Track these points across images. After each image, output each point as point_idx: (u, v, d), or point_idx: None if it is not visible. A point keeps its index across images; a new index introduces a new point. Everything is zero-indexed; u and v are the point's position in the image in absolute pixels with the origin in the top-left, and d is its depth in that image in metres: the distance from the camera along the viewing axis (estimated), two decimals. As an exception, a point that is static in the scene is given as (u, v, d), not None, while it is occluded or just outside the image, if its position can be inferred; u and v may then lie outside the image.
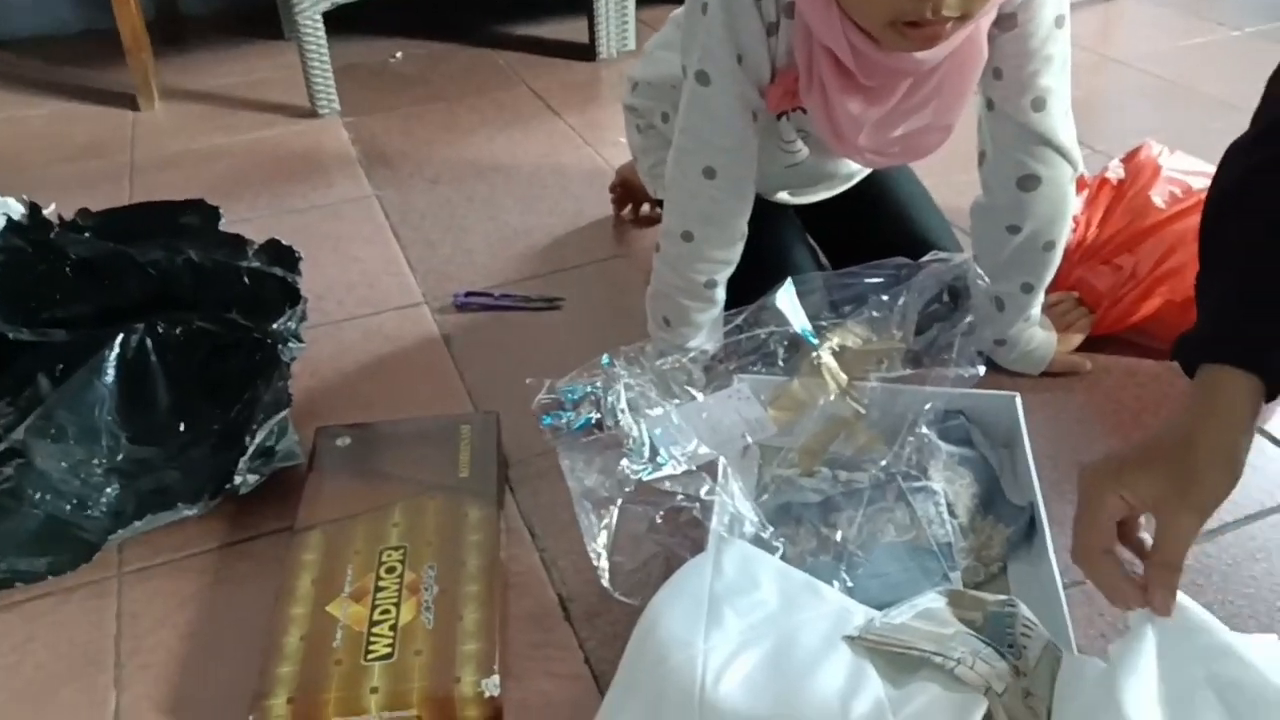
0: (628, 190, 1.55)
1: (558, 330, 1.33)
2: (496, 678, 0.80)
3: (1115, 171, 1.28)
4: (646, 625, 0.77)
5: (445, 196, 1.68)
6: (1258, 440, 1.04)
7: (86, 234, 1.31)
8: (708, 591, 0.78)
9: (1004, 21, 0.94)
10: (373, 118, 2.01)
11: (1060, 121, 1.00)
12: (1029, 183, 1.02)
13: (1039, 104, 0.98)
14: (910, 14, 0.82)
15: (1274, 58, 0.75)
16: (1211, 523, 0.92)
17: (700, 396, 1.01)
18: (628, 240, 1.53)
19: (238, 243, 1.31)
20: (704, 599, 0.77)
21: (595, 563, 0.88)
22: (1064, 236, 1.07)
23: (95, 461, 1.04)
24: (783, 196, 1.24)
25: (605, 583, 0.86)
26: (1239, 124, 0.73)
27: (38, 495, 0.99)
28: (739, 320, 1.06)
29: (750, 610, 0.77)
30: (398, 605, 0.87)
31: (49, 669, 0.88)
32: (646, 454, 0.95)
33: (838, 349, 1.01)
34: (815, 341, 1.01)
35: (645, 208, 1.55)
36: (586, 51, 2.25)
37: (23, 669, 0.89)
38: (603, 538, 0.88)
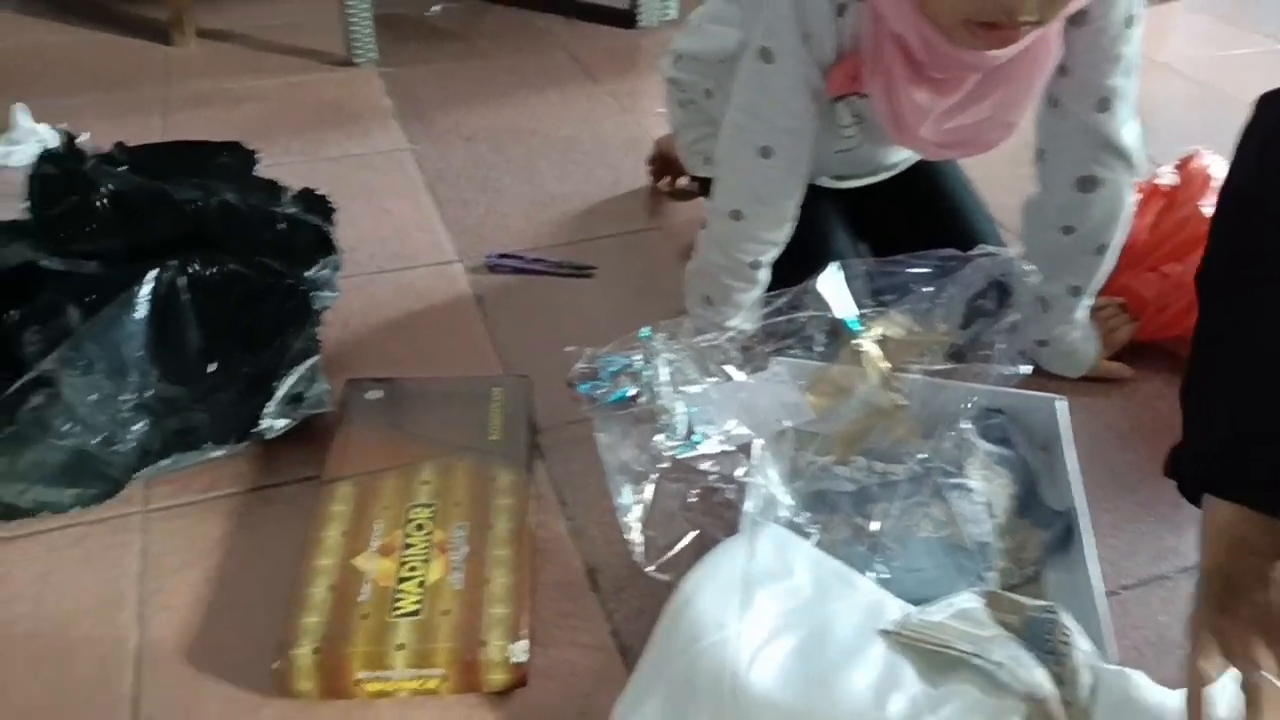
0: (665, 163, 1.53)
1: (589, 298, 1.31)
2: (524, 643, 0.80)
3: (1167, 178, 1.26)
4: (678, 604, 0.76)
5: (481, 155, 1.66)
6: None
7: (121, 167, 1.29)
8: (741, 574, 0.77)
9: (1076, 18, 0.92)
10: (409, 70, 1.98)
11: (1125, 124, 0.98)
12: (1088, 184, 1.01)
13: (1104, 104, 0.96)
14: (986, 16, 0.80)
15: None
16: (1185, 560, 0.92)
17: (738, 376, 1.00)
18: (663, 213, 1.52)
19: (273, 188, 1.30)
20: (737, 581, 0.76)
21: (628, 536, 0.87)
22: (1118, 241, 1.06)
23: (123, 397, 1.03)
24: (826, 181, 1.23)
25: (638, 558, 0.85)
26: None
27: (65, 426, 0.98)
28: (779, 303, 1.05)
29: (784, 596, 0.76)
30: (426, 563, 0.86)
31: (71, 602, 0.88)
32: (682, 431, 0.94)
33: (880, 338, 1.00)
34: (858, 329, 1.00)
35: (682, 181, 1.53)
36: (627, 18, 2.22)
37: (45, 600, 0.88)
38: (636, 512, 0.88)
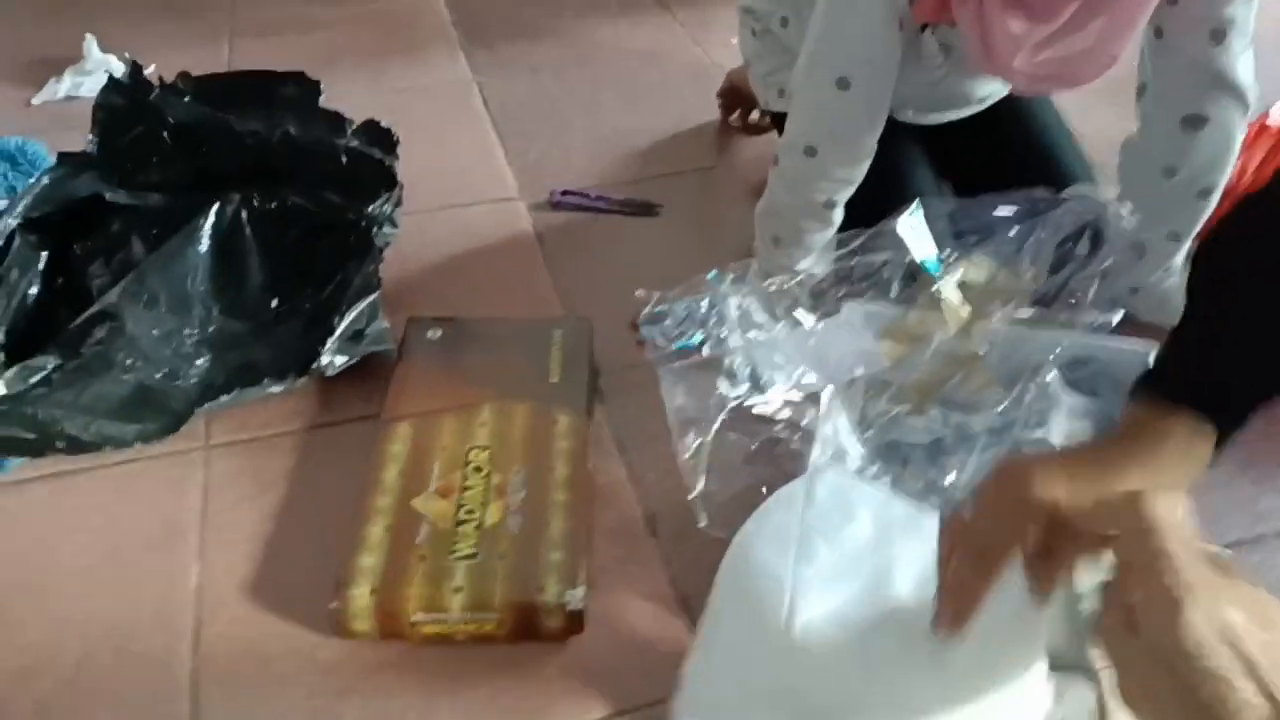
0: (736, 96, 1.47)
1: (654, 238, 1.28)
2: (581, 590, 0.78)
3: (1277, 116, 1.17)
4: (735, 555, 0.73)
5: (546, 87, 1.62)
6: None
7: (186, 98, 1.28)
8: (799, 522, 0.74)
9: None
10: (477, -3, 1.94)
11: (1240, 57, 0.90)
12: (1195, 123, 0.93)
13: (1218, 35, 0.88)
14: None
15: None
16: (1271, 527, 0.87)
17: (807, 322, 0.96)
18: (732, 149, 1.46)
19: (337, 120, 1.27)
20: (794, 530, 0.73)
21: (688, 483, 0.84)
22: (1222, 184, 0.98)
23: (186, 331, 1.03)
24: (909, 115, 1.16)
25: (696, 512, 0.83)
26: None
27: (129, 361, 0.98)
28: (855, 244, 1.00)
29: (844, 543, 0.72)
30: (484, 506, 0.85)
31: (134, 535, 0.89)
32: (748, 377, 0.91)
33: (961, 282, 0.95)
34: (938, 273, 0.95)
35: (754, 115, 1.48)
36: (701, -55, 2.14)
37: (108, 533, 0.89)
38: (697, 462, 0.85)
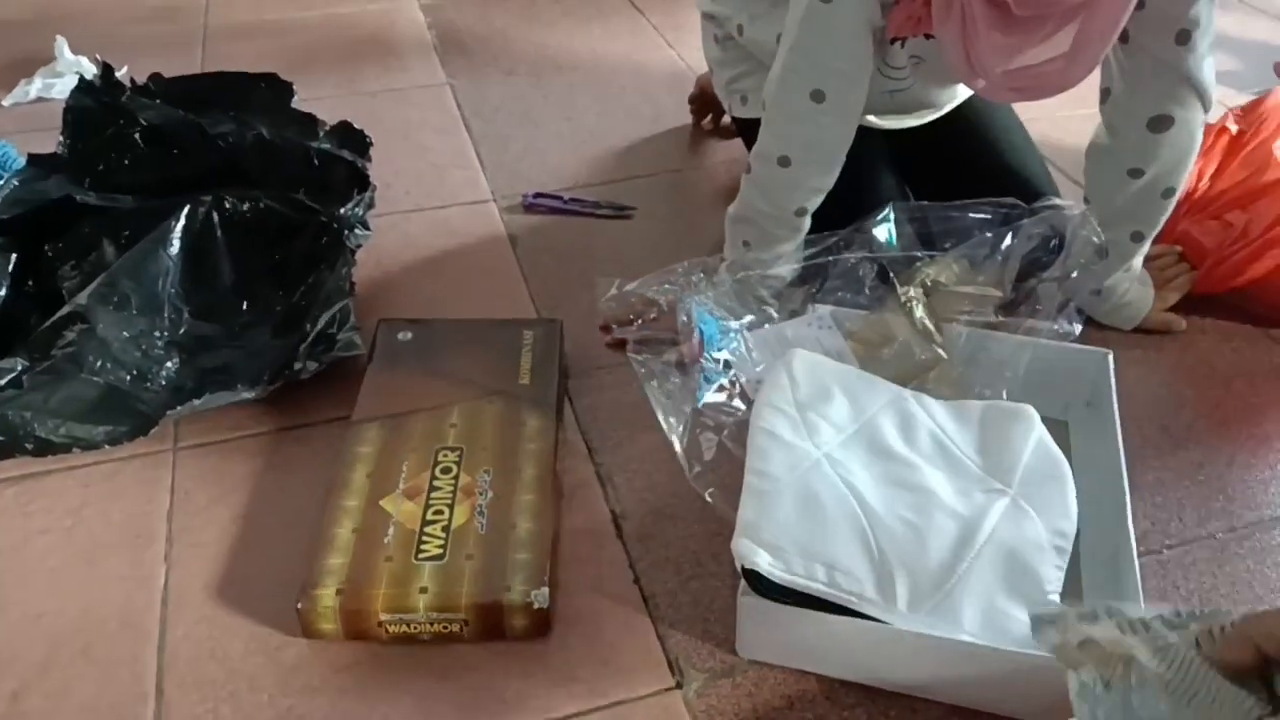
0: (707, 100, 1.49)
1: (626, 239, 1.29)
2: (546, 590, 0.79)
3: (1235, 121, 1.19)
4: (763, 436, 0.84)
5: (520, 91, 1.62)
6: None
7: (158, 100, 1.28)
8: (794, 404, 0.87)
9: None
10: (451, 2, 1.94)
11: (1204, 59, 0.92)
12: (1161, 124, 0.95)
13: (1184, 37, 0.90)
14: None
15: None
16: (1233, 521, 0.90)
17: (776, 315, 0.98)
18: (704, 152, 1.48)
19: (309, 122, 1.28)
20: (793, 411, 0.86)
21: (685, 467, 0.87)
22: (1184, 184, 1.00)
23: (157, 333, 1.03)
24: (871, 120, 1.17)
25: (701, 491, 0.85)
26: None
27: (99, 363, 0.98)
28: (829, 242, 1.01)
29: (832, 414, 0.87)
30: (451, 507, 0.85)
31: (101, 537, 0.89)
32: (721, 367, 0.93)
33: (929, 283, 0.96)
34: (908, 276, 0.96)
35: (725, 119, 1.49)
36: (675, -51, 2.15)
37: (76, 534, 0.89)
38: (686, 447, 0.88)
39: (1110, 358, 0.95)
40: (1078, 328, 0.95)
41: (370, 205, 1.19)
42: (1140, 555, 0.79)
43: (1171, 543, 0.89)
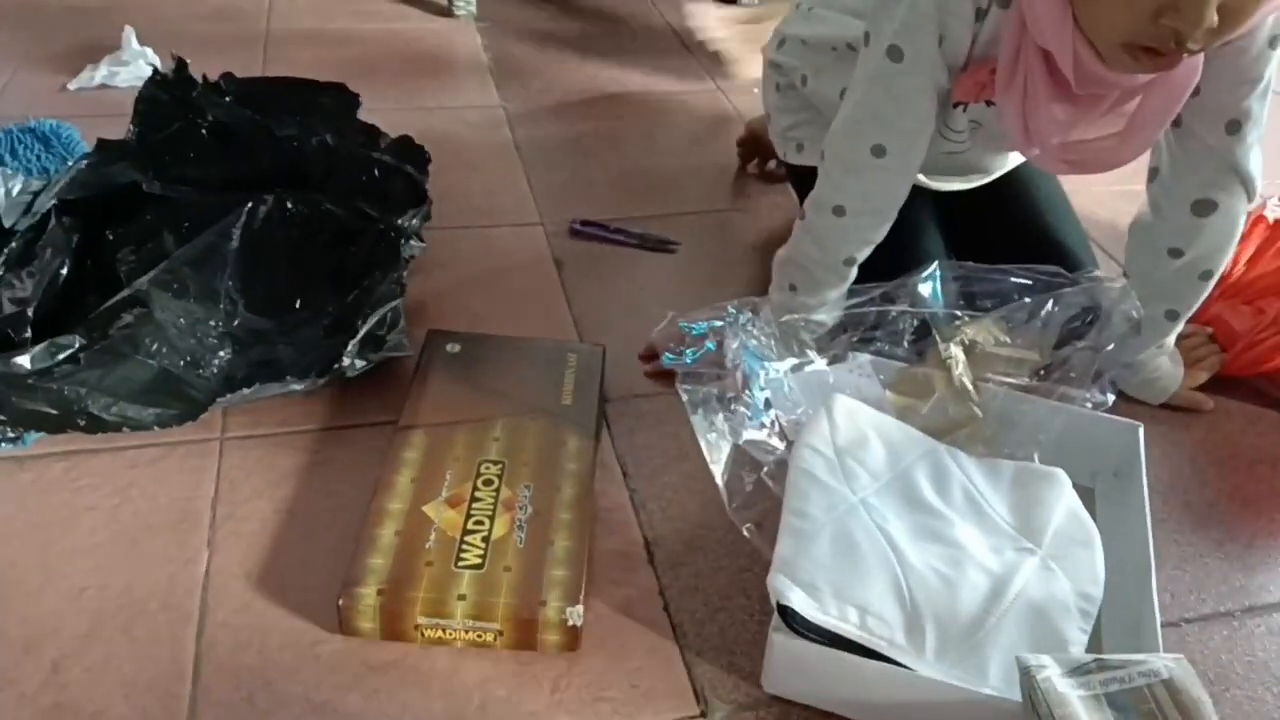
0: (755, 144, 1.52)
1: (669, 274, 1.31)
2: (581, 607, 0.81)
3: (1275, 210, 1.22)
4: (802, 478, 0.86)
5: (571, 120, 1.66)
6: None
7: (227, 98, 1.31)
8: (833, 448, 0.90)
9: None
10: (507, 27, 1.99)
11: (1252, 149, 0.95)
12: (1204, 208, 0.98)
13: (1234, 127, 0.93)
14: (1154, 41, 0.78)
15: None
16: (1250, 600, 0.92)
17: (818, 360, 1.00)
18: (748, 194, 1.51)
19: (372, 133, 1.31)
20: (831, 454, 0.89)
21: (726, 500, 0.88)
22: (1223, 268, 1.03)
23: (212, 323, 1.06)
24: (922, 179, 1.20)
25: (740, 525, 0.87)
26: None
27: (155, 346, 1.01)
28: (875, 293, 1.04)
29: (869, 460, 0.90)
30: (492, 518, 0.87)
31: (147, 518, 0.91)
32: (763, 405, 0.94)
33: (968, 342, 0.98)
34: (948, 333, 0.99)
35: (771, 164, 1.52)
36: (729, -6, 2.20)
37: (122, 513, 0.91)
38: (728, 479, 0.89)
39: (1141, 430, 0.97)
40: (1111, 398, 0.97)
41: (427, 218, 1.21)
42: (1161, 626, 0.81)
43: (1190, 617, 0.90)
